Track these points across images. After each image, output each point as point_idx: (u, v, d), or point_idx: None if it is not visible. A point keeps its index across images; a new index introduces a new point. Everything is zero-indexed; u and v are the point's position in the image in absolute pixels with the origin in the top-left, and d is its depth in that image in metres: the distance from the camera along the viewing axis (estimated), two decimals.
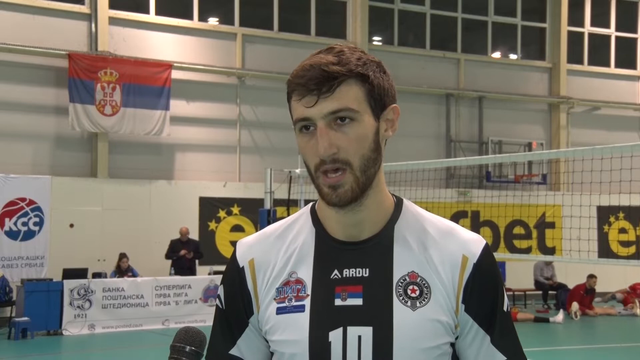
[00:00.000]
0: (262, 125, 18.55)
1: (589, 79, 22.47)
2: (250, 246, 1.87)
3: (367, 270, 1.76)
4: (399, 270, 1.76)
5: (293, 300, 1.77)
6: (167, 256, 16.25)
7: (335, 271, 1.77)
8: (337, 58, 1.70)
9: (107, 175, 16.80)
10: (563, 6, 21.97)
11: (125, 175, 16.93)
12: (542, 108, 22.10)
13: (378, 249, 1.78)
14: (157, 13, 17.65)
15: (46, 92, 16.46)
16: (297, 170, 12.95)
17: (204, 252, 16.59)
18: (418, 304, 1.73)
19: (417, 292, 1.74)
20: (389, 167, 13.49)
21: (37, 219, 15.76)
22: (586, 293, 17.59)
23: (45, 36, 16.32)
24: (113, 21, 17.07)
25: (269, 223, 11.93)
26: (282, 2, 18.96)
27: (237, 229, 17.93)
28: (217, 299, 1.89)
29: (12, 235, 15.52)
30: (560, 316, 16.36)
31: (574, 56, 22.36)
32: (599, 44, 22.92)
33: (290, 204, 12.87)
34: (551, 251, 19.74)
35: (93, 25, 16.85)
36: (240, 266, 1.84)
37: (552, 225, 20.11)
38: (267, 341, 1.81)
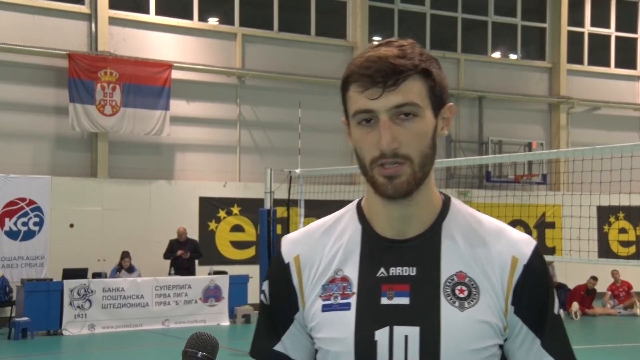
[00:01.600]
0: (262, 125, 18.55)
1: (589, 79, 22.47)
2: (296, 242, 1.85)
3: (414, 269, 1.74)
4: (447, 269, 1.73)
5: (339, 298, 1.75)
6: (165, 256, 16.24)
7: (382, 269, 1.75)
8: (401, 52, 1.68)
9: (107, 175, 16.80)
10: (563, 6, 21.97)
11: (125, 175, 16.92)
12: (542, 108, 22.10)
13: (425, 247, 1.75)
14: (157, 13, 17.65)
15: (46, 92, 16.45)
16: (297, 170, 12.95)
17: (203, 252, 16.59)
18: (466, 305, 1.71)
19: (466, 293, 1.72)
20: None
21: (37, 219, 15.76)
22: (587, 294, 17.61)
23: (45, 36, 16.32)
24: (113, 21, 17.06)
25: (269, 223, 11.93)
26: (282, 2, 18.96)
27: (237, 229, 17.94)
28: (262, 294, 1.87)
29: (12, 235, 15.53)
30: None
31: (574, 56, 22.36)
32: (599, 44, 22.92)
33: (290, 204, 12.86)
34: (551, 251, 19.72)
35: (93, 25, 16.85)
36: (286, 262, 1.83)
37: (552, 225, 20.11)
38: (311, 338, 1.80)
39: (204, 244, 16.95)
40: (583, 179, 11.87)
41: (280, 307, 1.82)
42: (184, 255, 16.13)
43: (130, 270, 15.66)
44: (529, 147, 20.88)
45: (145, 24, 17.52)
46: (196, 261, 16.52)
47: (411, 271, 1.73)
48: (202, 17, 18.23)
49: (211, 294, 15.87)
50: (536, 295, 1.76)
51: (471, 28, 21.54)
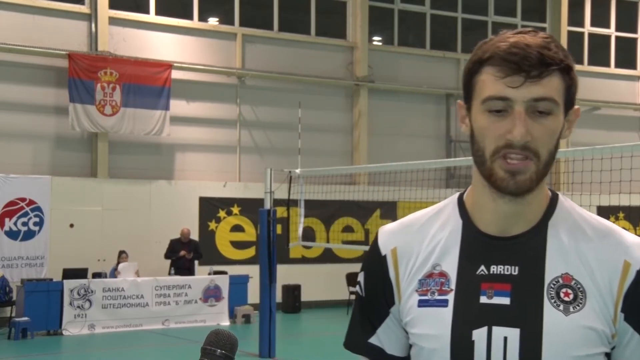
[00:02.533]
0: (262, 125, 18.55)
1: (589, 79, 22.45)
2: (393, 234, 1.79)
3: (517, 268, 1.65)
4: (552, 271, 1.64)
5: (436, 294, 1.69)
6: (167, 256, 16.24)
7: (482, 267, 1.67)
8: (545, 43, 1.59)
9: (107, 175, 16.80)
10: (563, 6, 21.98)
11: (125, 175, 16.92)
12: None
13: (530, 246, 1.66)
14: (157, 13, 17.64)
15: (46, 92, 16.45)
16: (297, 170, 12.95)
17: (203, 252, 16.60)
18: (571, 309, 1.61)
19: (571, 296, 1.62)
20: (389, 167, 13.50)
21: (37, 219, 15.76)
22: None
23: (45, 36, 16.32)
24: (113, 21, 17.06)
25: (269, 223, 11.92)
26: (282, 2, 18.96)
27: (237, 229, 17.94)
28: (357, 286, 1.83)
29: (12, 235, 15.53)
30: None
31: (574, 56, 21.81)
32: (599, 44, 22.92)
33: (290, 204, 12.86)
34: None
35: (93, 25, 16.85)
36: (383, 254, 1.77)
37: None
38: (406, 332, 1.75)
39: (204, 244, 16.96)
40: (583, 179, 11.87)
41: (376, 299, 1.78)
42: (187, 256, 16.15)
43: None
44: None
45: (145, 24, 17.52)
46: (196, 261, 16.54)
47: (513, 270, 1.65)
48: (202, 17, 18.23)
49: (211, 294, 15.87)
50: None
51: (471, 28, 21.54)
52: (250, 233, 17.75)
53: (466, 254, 1.70)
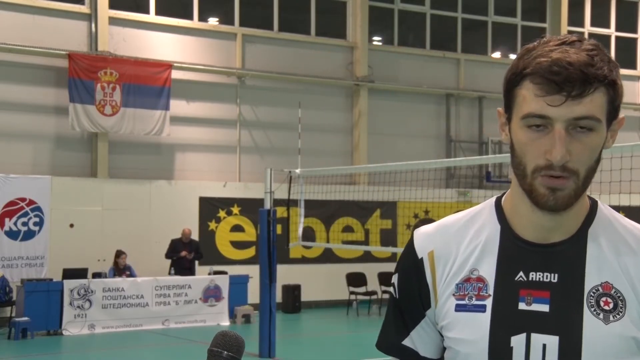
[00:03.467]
0: (262, 125, 18.55)
1: None
2: (430, 236, 1.77)
3: (556, 275, 1.64)
4: (592, 279, 1.63)
5: (474, 299, 1.68)
6: (167, 256, 16.24)
7: (521, 273, 1.66)
8: (590, 58, 1.56)
9: (107, 175, 16.80)
10: (563, 6, 21.98)
11: (125, 175, 16.92)
12: None
13: (569, 253, 1.65)
14: (157, 13, 17.64)
15: (46, 92, 16.45)
16: (297, 170, 12.94)
17: (203, 252, 16.60)
18: (611, 318, 1.60)
19: (611, 305, 1.61)
20: (389, 167, 13.50)
21: (37, 219, 15.76)
22: None
23: (45, 36, 16.32)
24: (113, 21, 17.06)
25: (269, 223, 11.91)
26: (282, 2, 18.96)
27: (237, 229, 17.94)
28: (392, 287, 1.82)
29: (12, 235, 15.53)
30: None
31: None
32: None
33: (290, 204, 12.86)
34: None
35: (93, 25, 16.85)
36: (419, 257, 1.75)
37: None
38: (441, 335, 1.75)
39: (204, 244, 16.96)
40: None
41: (411, 302, 1.77)
42: (188, 256, 16.16)
43: (125, 269, 15.61)
44: None
45: (145, 24, 17.52)
46: (196, 261, 16.54)
47: (552, 277, 1.64)
48: (202, 17, 18.23)
49: (211, 294, 15.87)
50: None
51: (471, 28, 21.54)
52: (250, 233, 17.75)
53: (504, 259, 1.69)
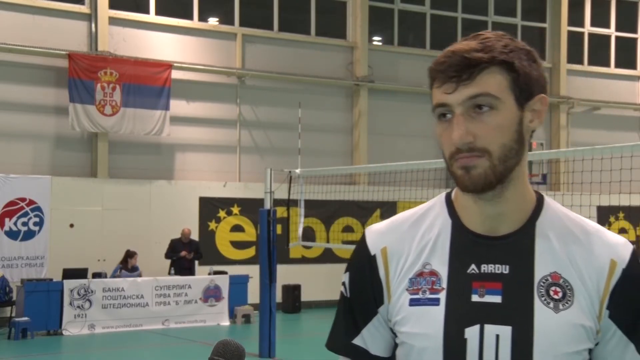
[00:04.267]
0: (262, 125, 18.55)
1: (589, 79, 22.47)
2: (382, 234, 1.79)
3: (507, 267, 1.68)
4: (541, 269, 1.68)
5: (427, 293, 1.70)
6: (167, 256, 16.25)
7: (473, 266, 1.70)
8: (481, 45, 1.64)
9: (107, 175, 16.80)
10: (563, 6, 21.97)
11: (125, 175, 16.93)
12: None
13: (519, 245, 1.70)
14: (157, 13, 17.65)
15: (46, 92, 16.45)
16: (297, 170, 12.94)
17: (203, 252, 16.60)
18: (561, 307, 1.66)
19: (560, 294, 1.67)
20: (389, 167, 13.50)
21: (37, 219, 15.76)
22: None
23: (45, 36, 16.32)
24: (113, 21, 17.07)
25: (269, 223, 11.91)
26: (282, 2, 18.96)
27: (237, 229, 17.94)
28: (342, 286, 1.83)
29: (12, 235, 15.53)
30: None
31: (574, 56, 22.35)
32: (599, 44, 22.92)
33: (290, 204, 12.86)
34: None
35: (93, 25, 16.85)
36: (372, 254, 1.77)
37: None
38: (393, 332, 1.76)
39: (204, 244, 16.96)
40: (583, 179, 11.87)
41: (363, 299, 1.78)
42: (187, 256, 16.16)
43: (133, 270, 15.64)
44: (529, 147, 20.86)
45: (145, 24, 17.52)
46: (196, 261, 16.54)
47: (504, 269, 1.68)
48: (202, 17, 18.23)
49: (211, 294, 15.87)
50: (633, 300, 1.69)
51: (471, 28, 21.51)
52: (250, 233, 17.75)
53: (456, 253, 1.72)
